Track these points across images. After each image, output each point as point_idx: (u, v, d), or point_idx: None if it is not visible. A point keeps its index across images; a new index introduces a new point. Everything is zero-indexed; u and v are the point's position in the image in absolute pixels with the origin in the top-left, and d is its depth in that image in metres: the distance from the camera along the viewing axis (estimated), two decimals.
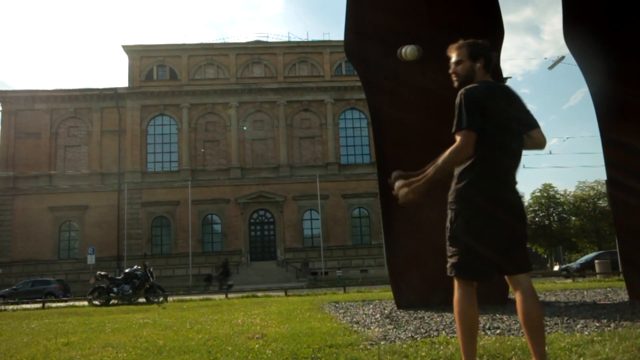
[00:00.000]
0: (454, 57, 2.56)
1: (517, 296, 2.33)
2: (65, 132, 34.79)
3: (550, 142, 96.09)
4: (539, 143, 2.49)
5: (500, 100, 2.42)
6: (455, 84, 2.54)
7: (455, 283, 2.40)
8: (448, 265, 2.41)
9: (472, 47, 2.51)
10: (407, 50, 2.68)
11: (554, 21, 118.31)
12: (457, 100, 2.39)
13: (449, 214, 2.43)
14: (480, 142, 2.36)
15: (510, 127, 2.41)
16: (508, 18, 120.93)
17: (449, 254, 2.42)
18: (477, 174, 2.36)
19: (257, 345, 3.98)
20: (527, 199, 44.60)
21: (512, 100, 2.47)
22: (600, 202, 40.22)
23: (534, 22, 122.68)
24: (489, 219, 2.32)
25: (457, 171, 2.44)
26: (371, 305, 7.28)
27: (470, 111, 2.34)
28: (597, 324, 4.29)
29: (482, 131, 2.35)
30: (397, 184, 2.50)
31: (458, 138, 2.35)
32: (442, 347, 3.42)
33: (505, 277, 2.40)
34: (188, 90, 35.17)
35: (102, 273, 14.71)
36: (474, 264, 2.34)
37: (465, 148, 2.33)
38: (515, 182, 2.43)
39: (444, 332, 4.23)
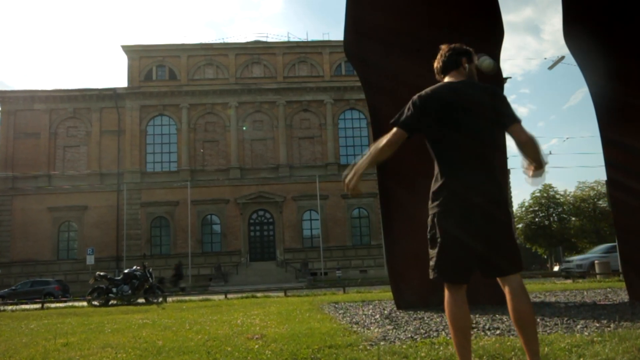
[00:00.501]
0: None
1: (507, 295, 2.33)
2: (65, 133, 34.76)
3: (550, 142, 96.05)
4: (522, 141, 2.39)
5: (450, 103, 2.43)
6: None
7: (445, 286, 2.42)
8: (429, 268, 2.44)
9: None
10: (485, 63, 2.72)
11: (554, 21, 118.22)
12: None
13: (429, 218, 2.46)
14: (435, 147, 2.44)
15: (468, 127, 2.39)
16: (508, 18, 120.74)
17: (429, 257, 2.45)
18: (447, 175, 2.39)
19: (256, 346, 3.97)
20: (526, 200, 44.62)
21: (474, 99, 2.44)
22: (600, 202, 40.15)
23: (534, 22, 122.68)
24: (463, 220, 2.33)
25: (434, 176, 2.47)
26: (371, 306, 7.27)
27: (409, 111, 2.48)
28: (597, 325, 4.29)
29: (429, 134, 2.46)
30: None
31: (391, 131, 2.50)
32: (441, 348, 3.42)
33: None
34: (187, 91, 35.15)
35: (101, 273, 14.70)
36: (450, 266, 2.36)
37: (389, 143, 2.49)
38: (486, 184, 2.35)
39: (443, 332, 4.22)
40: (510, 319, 4.67)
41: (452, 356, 3.13)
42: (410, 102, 2.51)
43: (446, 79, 2.59)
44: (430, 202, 2.46)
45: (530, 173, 2.45)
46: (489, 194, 2.36)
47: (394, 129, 2.50)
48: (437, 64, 2.65)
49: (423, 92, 2.51)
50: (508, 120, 2.42)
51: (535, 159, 2.41)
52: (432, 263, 2.43)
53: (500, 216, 2.36)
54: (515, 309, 2.27)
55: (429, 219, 2.45)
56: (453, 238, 2.33)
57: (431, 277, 2.43)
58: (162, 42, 38.34)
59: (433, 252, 2.43)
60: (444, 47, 2.66)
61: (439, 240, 2.38)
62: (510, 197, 35.55)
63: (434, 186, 2.45)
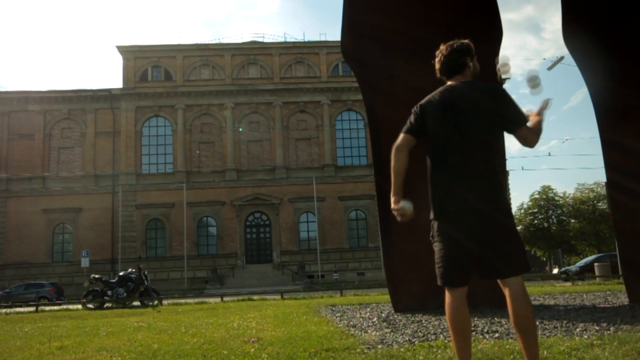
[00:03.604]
0: None
1: (507, 298, 2.33)
2: (59, 134, 34.58)
3: (550, 144, 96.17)
4: (526, 142, 2.39)
5: (449, 105, 2.42)
6: None
7: (445, 288, 2.43)
8: (437, 274, 2.47)
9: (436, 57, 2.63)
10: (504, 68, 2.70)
11: (555, 19, 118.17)
12: None
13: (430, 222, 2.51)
14: (432, 148, 2.45)
15: (466, 129, 2.38)
16: (509, 16, 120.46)
17: (435, 262, 2.48)
18: (437, 181, 2.43)
19: (252, 349, 3.95)
20: (525, 201, 44.65)
21: (474, 101, 2.42)
22: (599, 204, 40.18)
23: (535, 20, 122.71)
24: (459, 223, 2.34)
25: (429, 179, 2.51)
26: (368, 309, 7.24)
27: (410, 119, 2.52)
28: (597, 328, 4.27)
29: (426, 136, 2.47)
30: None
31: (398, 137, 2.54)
32: (439, 351, 3.40)
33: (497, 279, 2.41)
34: (183, 91, 35.05)
35: (96, 276, 14.66)
36: (448, 269, 2.38)
37: (397, 147, 2.48)
38: (482, 186, 2.36)
39: (441, 335, 4.20)
40: (510, 322, 4.66)
41: (449, 359, 3.10)
42: (413, 109, 2.55)
43: (449, 82, 2.57)
44: (430, 205, 2.49)
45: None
46: (485, 196, 2.36)
47: (400, 135, 2.52)
48: (439, 65, 2.60)
49: (424, 99, 2.55)
50: (514, 125, 2.40)
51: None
52: (436, 268, 2.45)
53: (498, 218, 2.35)
54: (515, 313, 2.28)
55: (430, 225, 2.48)
56: (450, 241, 2.36)
57: (438, 282, 2.45)
58: (158, 43, 38.19)
59: (435, 257, 2.46)
60: (444, 47, 2.59)
61: (438, 244, 2.42)
62: (509, 199, 35.61)
63: (431, 189, 2.47)
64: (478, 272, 2.39)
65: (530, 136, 2.37)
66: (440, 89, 2.53)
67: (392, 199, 2.47)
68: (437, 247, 2.42)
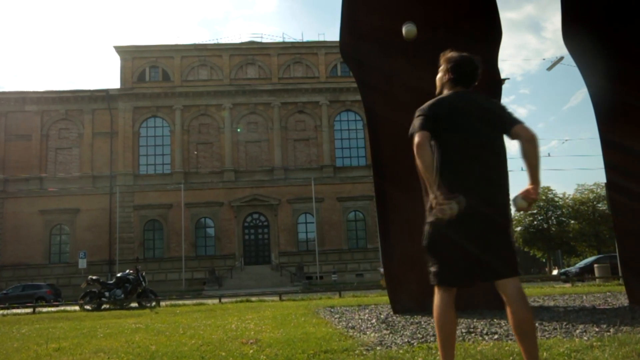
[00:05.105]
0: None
1: (505, 301, 2.34)
2: (56, 134, 34.50)
3: (550, 144, 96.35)
4: (526, 138, 2.35)
5: (459, 110, 2.45)
6: (436, 91, 2.66)
7: (435, 289, 2.47)
8: (429, 274, 2.48)
9: (444, 61, 2.61)
10: (405, 30, 2.79)
11: (556, 19, 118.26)
12: None
13: (428, 220, 2.48)
14: (439, 152, 2.43)
15: (474, 133, 2.41)
16: (508, 15, 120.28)
17: (428, 263, 2.49)
18: (448, 178, 2.39)
19: (251, 351, 3.94)
20: None
21: (481, 108, 2.49)
22: (599, 205, 40.16)
23: (535, 19, 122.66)
24: (454, 227, 2.32)
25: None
26: (367, 310, 7.23)
27: (420, 119, 2.44)
28: (597, 329, 4.27)
29: (436, 140, 2.43)
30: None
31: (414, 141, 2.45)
32: (438, 353, 3.37)
33: (495, 281, 2.40)
34: (181, 92, 35.00)
35: (94, 277, 14.61)
36: (447, 271, 2.40)
37: (419, 144, 2.36)
38: (488, 189, 2.37)
39: None
40: (509, 325, 4.65)
41: None
42: (418, 112, 2.48)
43: (453, 90, 2.57)
44: (426, 208, 2.47)
45: (527, 194, 2.32)
46: (491, 200, 2.37)
47: (415, 135, 2.40)
48: (452, 74, 2.55)
49: (431, 103, 2.51)
50: (510, 122, 2.44)
51: (535, 166, 2.35)
52: (431, 269, 2.46)
53: (499, 221, 2.38)
54: (514, 316, 2.28)
55: (425, 225, 2.46)
56: (451, 242, 2.35)
57: (432, 282, 2.47)
58: (155, 43, 38.11)
59: (429, 258, 2.47)
60: (456, 56, 2.57)
61: (433, 246, 2.43)
62: (509, 200, 35.60)
63: (427, 192, 2.45)
64: (476, 274, 2.40)
65: (527, 130, 2.39)
66: (449, 94, 2.55)
67: (439, 193, 2.31)
68: (435, 246, 2.42)
